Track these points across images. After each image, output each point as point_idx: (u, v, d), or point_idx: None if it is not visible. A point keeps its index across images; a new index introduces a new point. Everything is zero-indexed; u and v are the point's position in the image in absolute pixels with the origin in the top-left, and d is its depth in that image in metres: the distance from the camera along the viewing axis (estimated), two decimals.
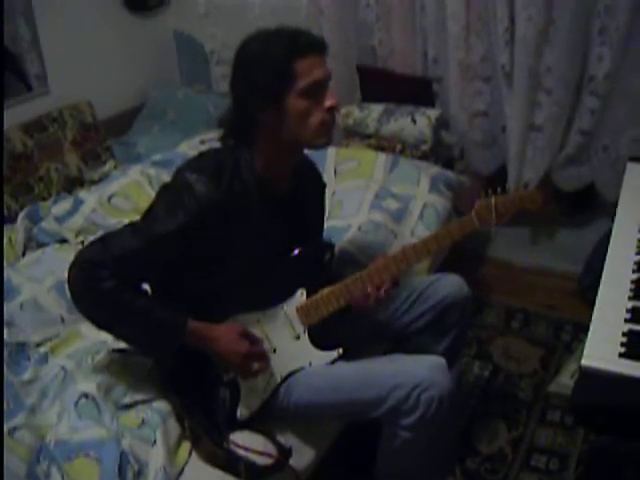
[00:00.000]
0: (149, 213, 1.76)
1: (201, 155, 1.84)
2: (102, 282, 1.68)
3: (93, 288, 1.70)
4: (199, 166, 1.77)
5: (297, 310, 1.90)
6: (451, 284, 2.11)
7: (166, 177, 1.83)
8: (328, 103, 1.76)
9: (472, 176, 3.32)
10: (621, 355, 1.44)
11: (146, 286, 1.86)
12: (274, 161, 1.82)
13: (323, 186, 2.13)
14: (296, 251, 1.88)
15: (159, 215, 1.72)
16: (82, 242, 2.68)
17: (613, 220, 2.02)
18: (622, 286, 1.68)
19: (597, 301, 1.63)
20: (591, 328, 1.53)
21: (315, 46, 1.74)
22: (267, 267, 1.84)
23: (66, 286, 1.76)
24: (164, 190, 1.79)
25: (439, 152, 3.29)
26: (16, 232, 2.78)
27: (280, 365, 1.88)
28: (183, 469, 1.78)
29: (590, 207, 3.26)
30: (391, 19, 3.34)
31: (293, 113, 1.73)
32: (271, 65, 1.69)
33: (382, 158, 3.10)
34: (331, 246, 2.05)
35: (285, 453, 1.78)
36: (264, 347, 1.87)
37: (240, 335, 1.80)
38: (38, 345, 2.21)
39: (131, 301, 1.72)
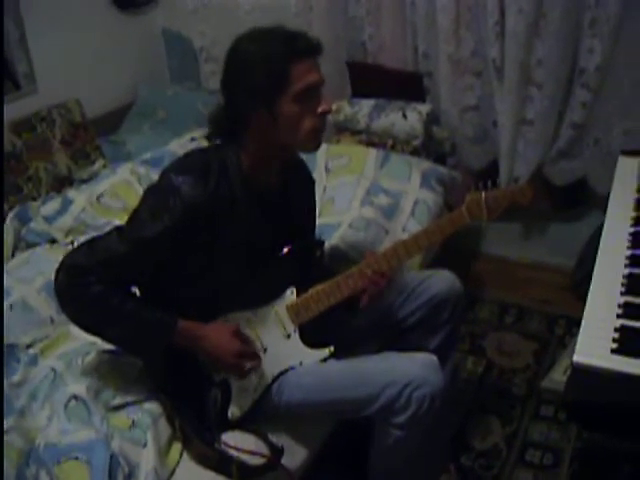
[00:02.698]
0: (135, 216, 1.74)
1: (187, 156, 1.82)
2: (89, 287, 1.67)
3: (80, 293, 1.69)
4: (185, 167, 1.75)
5: (287, 309, 1.89)
6: (443, 281, 2.09)
7: (156, 176, 1.81)
8: (321, 109, 1.74)
9: (464, 171, 3.32)
10: (613, 351, 1.43)
11: (134, 288, 1.85)
12: (262, 161, 1.80)
13: (312, 183, 2.11)
14: (285, 249, 1.87)
15: (145, 219, 1.70)
16: (72, 242, 2.67)
17: (605, 214, 2.01)
18: (614, 281, 1.66)
19: (589, 296, 1.62)
20: (583, 324, 1.52)
21: (312, 49, 1.72)
22: (257, 266, 1.83)
23: None
24: (149, 193, 1.77)
25: (430, 147, 3.28)
26: (5, 233, 2.75)
27: (271, 364, 1.86)
28: (174, 470, 1.77)
29: (583, 201, 3.25)
30: (381, 14, 3.33)
31: (285, 117, 1.71)
32: (266, 67, 1.66)
33: (373, 154, 3.09)
34: (321, 243, 2.03)
35: (277, 452, 1.77)
36: (255, 346, 1.86)
37: (232, 334, 1.79)
38: (28, 347, 2.19)
39: (119, 305, 1.71)
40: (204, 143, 1.89)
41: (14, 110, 3.06)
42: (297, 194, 1.98)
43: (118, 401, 1.90)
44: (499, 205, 1.85)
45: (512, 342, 2.95)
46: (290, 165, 1.92)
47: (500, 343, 2.95)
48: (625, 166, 2.28)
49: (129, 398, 1.91)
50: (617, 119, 2.93)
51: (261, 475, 1.73)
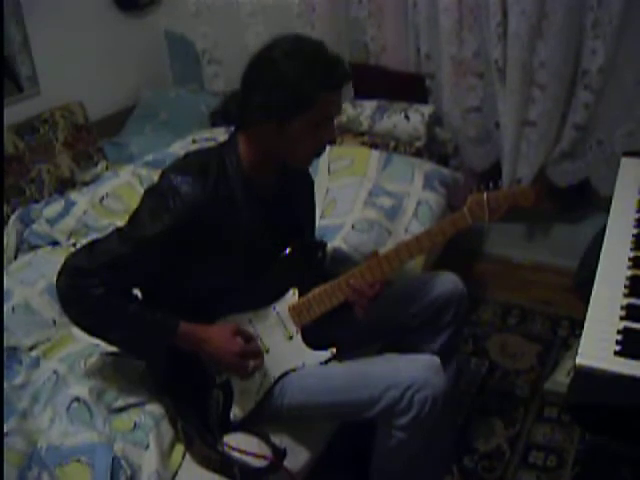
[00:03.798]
0: (135, 217, 1.74)
1: (185, 156, 1.82)
2: (91, 290, 1.67)
3: (82, 296, 1.69)
4: (184, 167, 1.75)
5: (289, 310, 1.88)
6: (446, 282, 2.09)
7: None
8: (329, 138, 1.76)
9: (466, 172, 3.31)
10: (616, 353, 1.42)
11: (136, 290, 1.85)
12: (261, 163, 1.80)
13: (311, 183, 2.11)
14: (287, 250, 1.87)
15: (145, 220, 1.70)
16: (74, 244, 2.67)
17: (608, 215, 2.00)
18: (617, 283, 1.66)
19: (592, 298, 1.61)
20: (585, 326, 1.51)
21: (344, 82, 1.72)
22: (258, 267, 1.83)
23: None
24: (149, 193, 1.76)
25: (433, 149, 3.28)
26: (8, 235, 2.75)
27: (273, 366, 1.86)
28: (177, 473, 1.77)
29: (585, 202, 3.25)
30: (383, 15, 3.33)
31: (293, 136, 1.71)
32: (297, 89, 1.65)
33: (375, 155, 3.08)
34: (323, 244, 2.03)
35: (280, 454, 1.76)
36: (258, 344, 1.85)
37: (233, 334, 1.79)
38: (30, 349, 2.19)
39: (121, 307, 1.71)
40: (206, 144, 1.89)
41: (17, 112, 3.07)
42: (296, 194, 1.98)
43: (120, 403, 1.90)
44: (501, 206, 1.84)
45: (515, 344, 2.95)
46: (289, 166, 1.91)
47: (503, 345, 2.94)
48: (628, 167, 2.27)
49: (131, 400, 1.91)
50: (620, 120, 2.92)
51: (263, 477, 1.73)
